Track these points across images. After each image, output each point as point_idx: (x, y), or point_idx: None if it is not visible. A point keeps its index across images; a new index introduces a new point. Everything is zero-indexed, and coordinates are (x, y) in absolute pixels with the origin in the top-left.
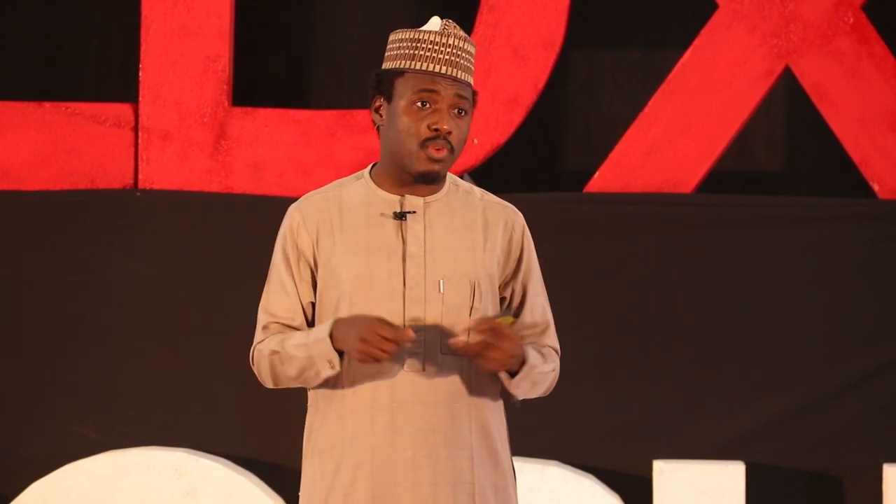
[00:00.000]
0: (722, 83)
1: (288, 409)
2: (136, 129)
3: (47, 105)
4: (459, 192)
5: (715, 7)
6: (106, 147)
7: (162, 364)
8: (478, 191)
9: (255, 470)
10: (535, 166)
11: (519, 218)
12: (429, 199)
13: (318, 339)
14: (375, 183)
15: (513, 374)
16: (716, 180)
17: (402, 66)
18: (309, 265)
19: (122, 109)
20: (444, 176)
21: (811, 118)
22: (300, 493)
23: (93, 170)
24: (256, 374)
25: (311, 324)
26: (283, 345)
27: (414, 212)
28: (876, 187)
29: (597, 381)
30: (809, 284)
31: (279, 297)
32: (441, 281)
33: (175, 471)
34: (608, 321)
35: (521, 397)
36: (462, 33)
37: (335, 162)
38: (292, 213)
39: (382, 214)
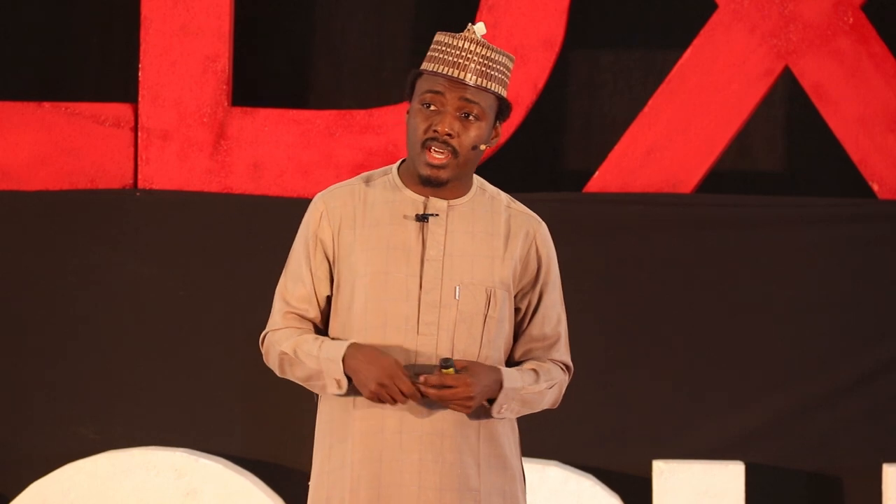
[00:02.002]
0: (721, 83)
1: (288, 409)
2: (135, 129)
3: (47, 105)
4: (485, 197)
5: (715, 7)
6: (106, 147)
7: (162, 364)
8: (505, 197)
9: (254, 470)
10: (535, 166)
11: (542, 229)
12: (453, 202)
13: (330, 358)
14: (402, 181)
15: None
16: (715, 180)
17: (422, 68)
18: (326, 258)
19: (122, 109)
20: (449, 181)
21: (811, 118)
22: (310, 481)
23: (92, 170)
24: (264, 356)
25: (325, 316)
26: (295, 348)
27: (436, 214)
28: (876, 187)
29: (597, 381)
30: (809, 284)
31: (296, 285)
32: (458, 287)
33: (175, 471)
34: (608, 321)
35: (513, 417)
36: (479, 38)
37: (335, 162)
38: (317, 203)
39: (405, 216)
